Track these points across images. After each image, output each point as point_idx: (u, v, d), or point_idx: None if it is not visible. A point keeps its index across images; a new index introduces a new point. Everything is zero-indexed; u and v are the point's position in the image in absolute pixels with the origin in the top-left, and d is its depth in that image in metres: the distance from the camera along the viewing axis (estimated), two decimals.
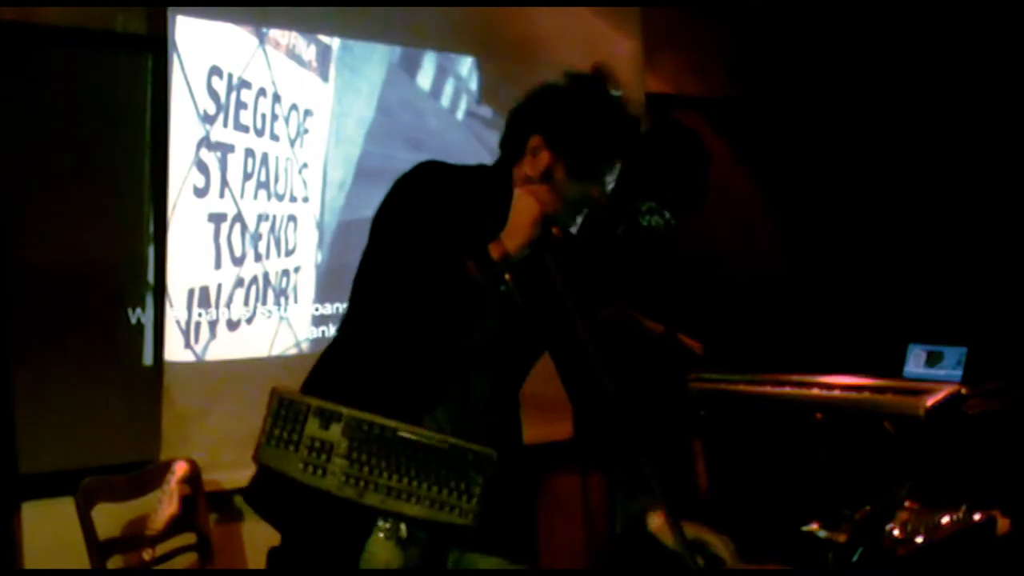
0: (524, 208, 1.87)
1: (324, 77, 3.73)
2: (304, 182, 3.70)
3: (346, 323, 2.08)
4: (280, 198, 3.64)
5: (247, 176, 3.54)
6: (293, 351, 3.66)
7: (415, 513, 1.65)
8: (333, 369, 2.02)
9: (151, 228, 3.44)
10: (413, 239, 1.90)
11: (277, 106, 3.61)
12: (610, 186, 2.03)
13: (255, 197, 3.57)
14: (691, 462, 3.42)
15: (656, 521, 2.06)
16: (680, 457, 3.33)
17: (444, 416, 1.97)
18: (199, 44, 3.40)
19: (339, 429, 1.65)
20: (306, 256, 3.71)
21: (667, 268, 3.31)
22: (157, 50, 3.36)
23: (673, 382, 3.36)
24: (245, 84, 3.52)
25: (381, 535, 1.81)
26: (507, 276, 1.87)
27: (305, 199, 3.70)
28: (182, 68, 3.36)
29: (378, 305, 1.93)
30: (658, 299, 3.29)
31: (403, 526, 1.74)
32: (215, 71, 3.44)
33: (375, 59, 3.85)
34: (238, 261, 3.53)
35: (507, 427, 2.13)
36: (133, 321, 3.45)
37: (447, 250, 1.85)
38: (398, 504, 1.65)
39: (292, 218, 3.67)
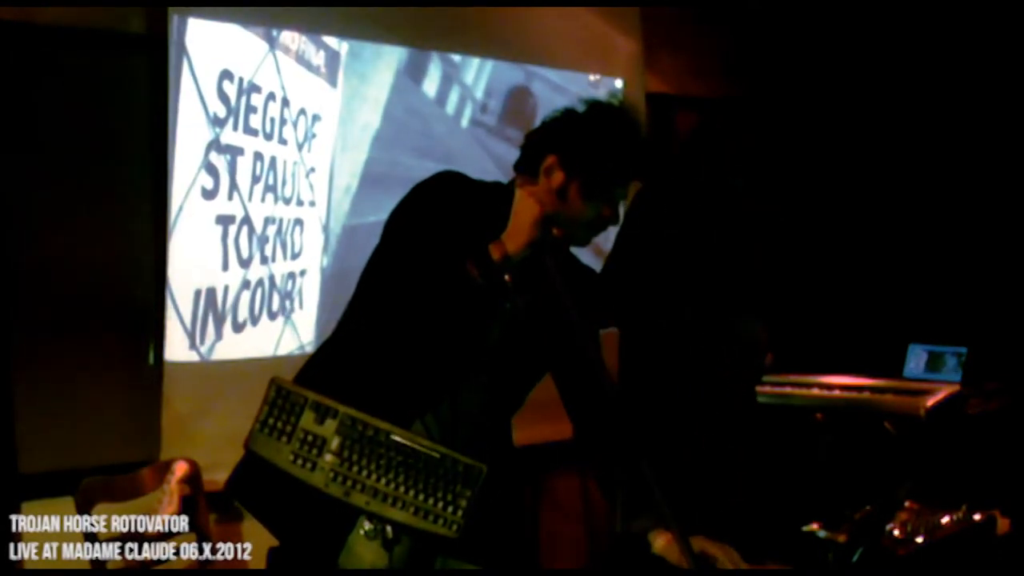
0: (525, 209, 1.88)
1: (332, 83, 3.74)
2: (311, 186, 3.71)
3: (347, 319, 2.07)
4: (287, 201, 3.65)
5: (255, 179, 3.55)
6: (297, 353, 3.66)
7: (399, 518, 1.64)
8: (329, 363, 2.02)
9: (152, 228, 3.44)
10: (423, 245, 1.90)
11: (286, 110, 3.62)
12: (622, 208, 2.06)
13: (263, 200, 3.58)
14: (739, 470, 3.38)
15: (660, 541, 2.05)
16: (733, 464, 3.29)
17: (434, 422, 1.97)
18: (210, 47, 3.41)
19: (333, 426, 1.65)
20: (312, 259, 3.72)
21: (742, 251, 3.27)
22: (157, 50, 3.36)
23: (750, 391, 3.34)
24: (255, 88, 3.53)
25: (365, 535, 1.81)
26: (507, 277, 1.88)
27: (312, 203, 3.71)
28: (192, 71, 3.36)
29: (380, 304, 1.93)
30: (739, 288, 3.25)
31: (389, 527, 1.74)
32: (226, 75, 3.46)
33: (382, 65, 3.85)
34: (245, 263, 3.53)
35: (497, 441, 2.11)
36: (134, 321, 3.45)
37: (454, 260, 1.86)
38: (383, 508, 1.65)
39: (299, 222, 3.67)
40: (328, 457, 1.64)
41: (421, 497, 1.65)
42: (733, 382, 3.17)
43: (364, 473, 1.65)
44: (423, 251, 1.89)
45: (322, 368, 2.02)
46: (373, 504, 1.65)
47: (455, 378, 1.99)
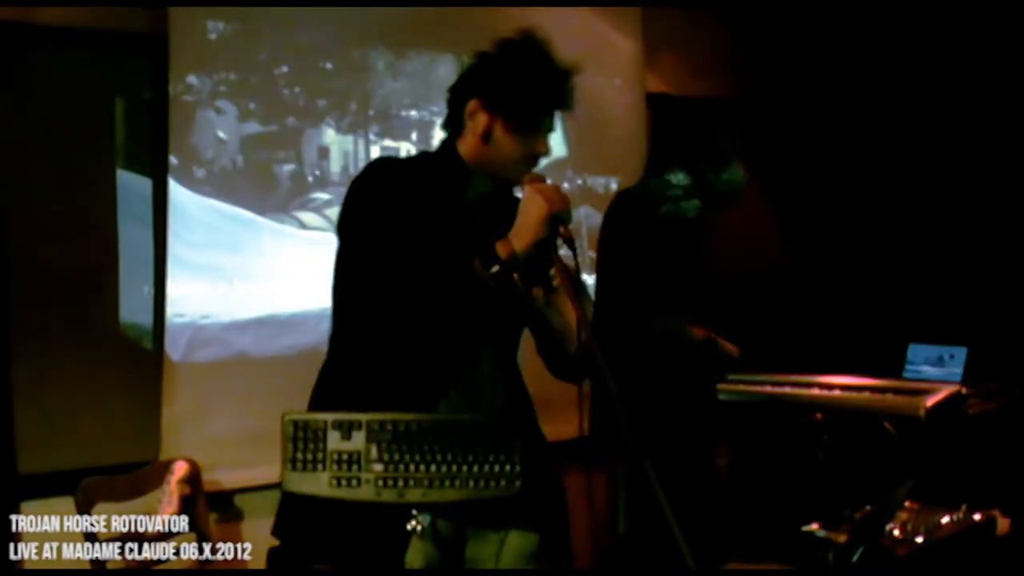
0: (532, 208, 1.89)
1: None
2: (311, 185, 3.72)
3: (342, 329, 2.05)
4: (284, 208, 3.65)
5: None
6: (295, 352, 3.65)
7: (459, 496, 1.62)
8: (341, 378, 1.99)
9: (152, 227, 3.44)
10: (388, 231, 1.90)
11: None
12: (551, 138, 2.06)
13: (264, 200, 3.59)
14: (711, 467, 3.35)
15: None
16: (702, 461, 3.26)
17: (458, 397, 1.97)
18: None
19: (362, 437, 1.61)
20: (310, 258, 3.71)
21: (698, 261, 3.24)
22: (157, 50, 3.36)
23: (706, 388, 3.31)
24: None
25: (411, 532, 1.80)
26: (515, 276, 1.89)
27: (311, 201, 3.71)
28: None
29: (374, 303, 1.92)
30: (693, 297, 3.23)
31: (425, 522, 1.73)
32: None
33: None
34: (242, 261, 3.53)
35: (519, 393, 2.12)
36: (133, 321, 3.45)
37: (420, 234, 1.89)
38: (440, 493, 1.62)
39: (298, 219, 3.67)
40: (370, 468, 1.61)
41: (476, 467, 1.62)
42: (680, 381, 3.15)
43: (412, 468, 1.62)
44: (392, 237, 1.89)
45: (335, 386, 1.99)
46: (430, 493, 1.62)
47: (467, 353, 2.00)
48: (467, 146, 2.04)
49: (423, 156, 2.13)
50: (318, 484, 1.61)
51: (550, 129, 2.05)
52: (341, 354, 2.03)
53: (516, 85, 1.99)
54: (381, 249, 1.88)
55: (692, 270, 3.21)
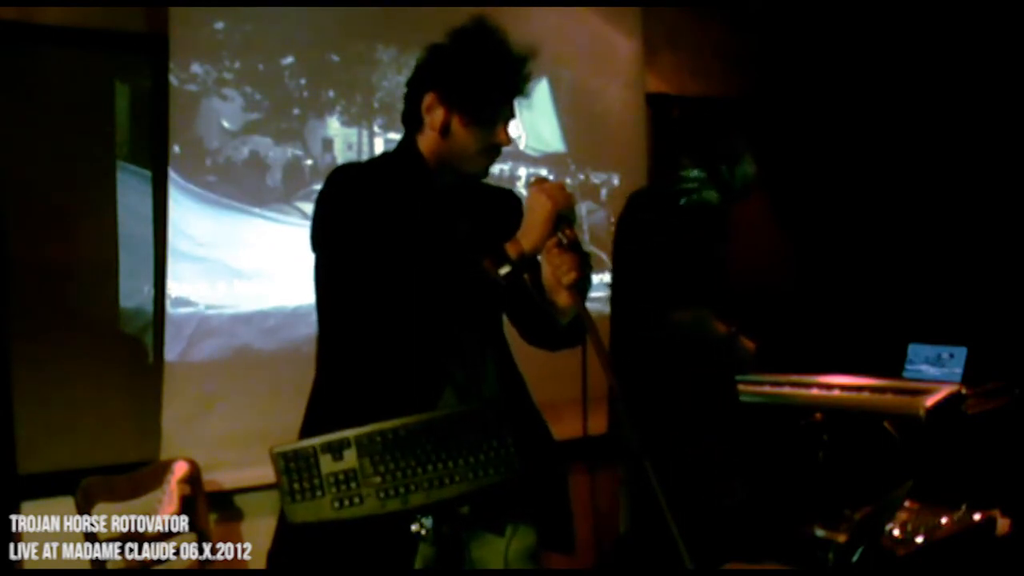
0: (537, 206, 1.90)
1: None
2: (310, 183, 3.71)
3: (332, 346, 2.03)
4: (287, 199, 3.65)
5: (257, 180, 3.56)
6: (294, 351, 3.65)
7: (462, 490, 1.62)
8: (335, 400, 1.98)
9: (151, 227, 3.44)
10: (373, 236, 1.91)
11: None
12: (513, 128, 2.06)
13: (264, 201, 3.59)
14: (732, 470, 3.32)
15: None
16: (722, 462, 3.24)
17: (453, 394, 1.97)
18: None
19: (353, 454, 1.61)
20: (309, 257, 3.70)
21: (719, 256, 3.22)
22: (157, 50, 3.36)
23: (728, 386, 3.28)
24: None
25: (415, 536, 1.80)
26: (525, 276, 1.90)
27: (314, 193, 3.70)
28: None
29: (369, 308, 1.92)
30: (715, 292, 3.21)
31: (428, 524, 1.73)
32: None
33: None
34: (244, 253, 3.52)
35: (511, 377, 2.12)
36: (133, 321, 3.45)
37: (401, 233, 1.90)
38: (442, 491, 1.62)
39: (301, 211, 3.67)
40: (368, 482, 1.60)
41: (471, 459, 1.62)
42: (704, 378, 3.13)
43: (409, 472, 1.61)
44: (376, 241, 1.90)
45: (330, 407, 1.98)
46: (433, 494, 1.62)
47: (460, 353, 2.00)
48: (427, 141, 2.03)
49: (384, 157, 2.12)
50: (321, 510, 1.60)
51: (508, 118, 2.04)
52: (335, 371, 2.01)
53: (471, 77, 1.97)
54: (372, 255, 1.89)
55: (710, 267, 3.20)
